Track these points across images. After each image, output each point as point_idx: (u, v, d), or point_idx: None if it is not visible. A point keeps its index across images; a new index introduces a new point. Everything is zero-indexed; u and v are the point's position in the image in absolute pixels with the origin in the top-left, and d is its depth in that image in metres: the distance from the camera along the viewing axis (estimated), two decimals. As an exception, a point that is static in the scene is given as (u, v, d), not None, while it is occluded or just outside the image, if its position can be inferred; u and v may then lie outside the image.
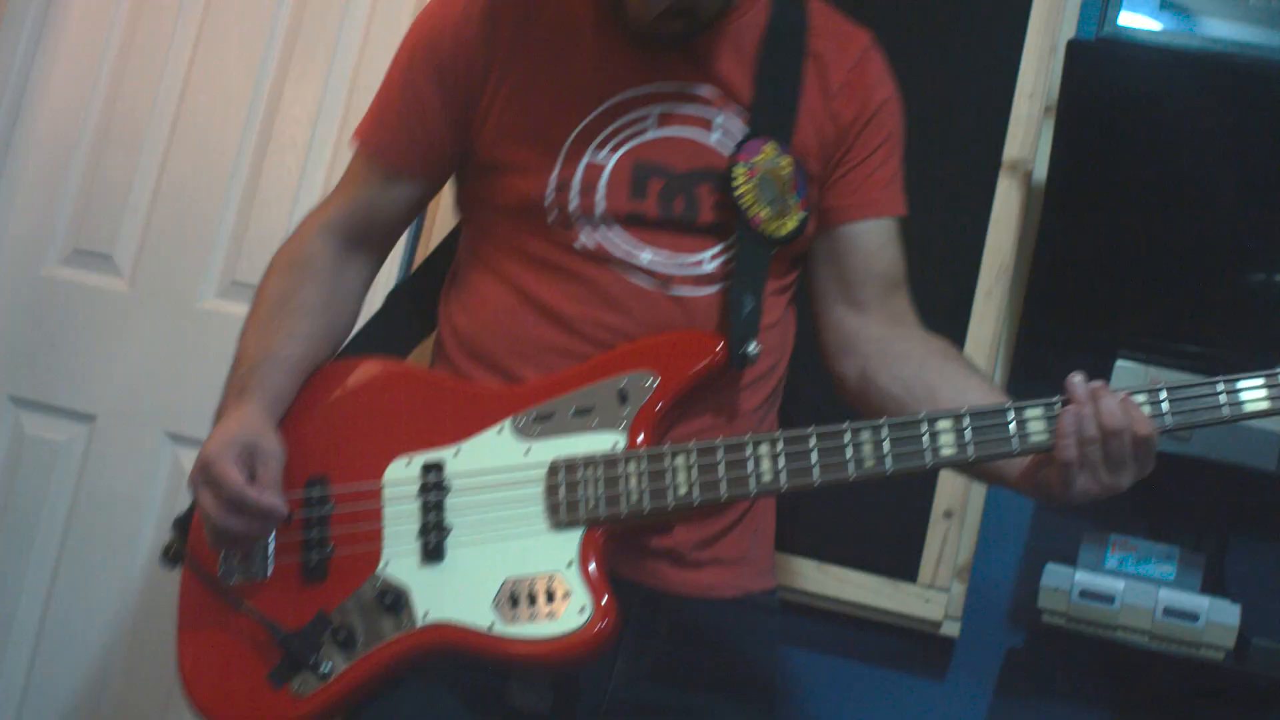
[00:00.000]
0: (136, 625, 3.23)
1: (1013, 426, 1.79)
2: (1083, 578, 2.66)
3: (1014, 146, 2.91)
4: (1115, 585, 2.65)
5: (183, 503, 3.15)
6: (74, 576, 3.27)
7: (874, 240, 2.10)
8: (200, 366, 3.25)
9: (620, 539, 1.88)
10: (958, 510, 2.84)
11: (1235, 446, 2.66)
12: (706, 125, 2.00)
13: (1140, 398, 1.77)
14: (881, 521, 2.85)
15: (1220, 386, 1.77)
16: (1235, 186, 2.73)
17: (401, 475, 1.92)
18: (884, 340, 2.06)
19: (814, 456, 1.81)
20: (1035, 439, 1.79)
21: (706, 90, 2.01)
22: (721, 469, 1.83)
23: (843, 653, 2.93)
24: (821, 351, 2.12)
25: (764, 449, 1.82)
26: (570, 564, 1.82)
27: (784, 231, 2.00)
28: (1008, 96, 2.93)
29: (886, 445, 1.80)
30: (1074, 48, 2.77)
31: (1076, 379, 1.78)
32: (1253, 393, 1.78)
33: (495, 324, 2.01)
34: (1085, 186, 2.79)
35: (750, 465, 1.82)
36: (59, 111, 3.45)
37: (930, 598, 2.82)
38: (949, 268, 2.88)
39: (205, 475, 1.89)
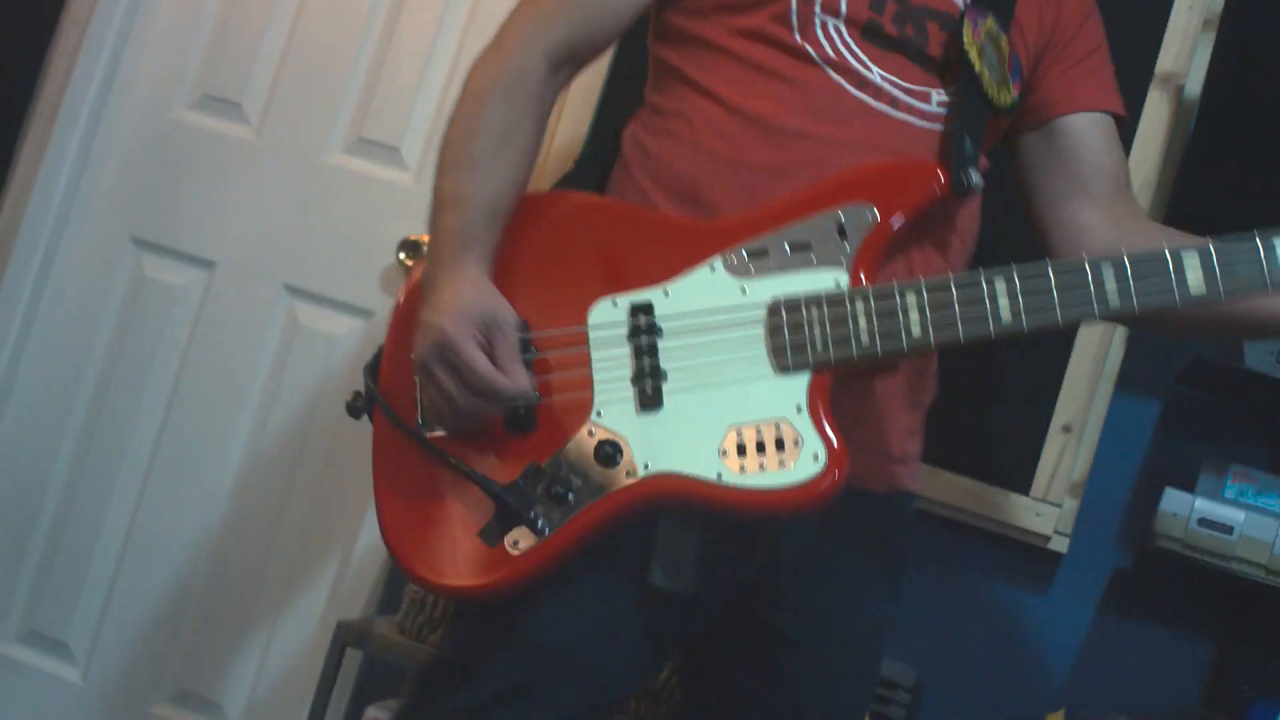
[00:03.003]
0: (242, 473, 3.26)
1: (1264, 260, 1.68)
2: (1202, 505, 2.62)
3: (1168, 59, 2.83)
4: (1235, 516, 2.61)
5: (297, 355, 3.23)
6: (184, 420, 3.31)
7: (1103, 135, 2.02)
8: (323, 221, 3.26)
9: (845, 381, 1.78)
10: (1077, 425, 2.80)
11: (1368, 384, 2.60)
12: None
13: None
14: (999, 431, 2.82)
15: None
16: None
17: (608, 318, 1.80)
18: (1119, 236, 1.96)
19: (1056, 296, 1.70)
20: None
21: None
22: (956, 308, 1.72)
23: (947, 558, 2.91)
24: (1051, 254, 2.01)
25: (1000, 285, 1.71)
26: (799, 409, 1.71)
27: (1004, 100, 1.92)
28: (1166, 6, 2.85)
29: (1131, 284, 1.69)
30: (1243, -39, 2.69)
31: None
32: None
33: (700, 143, 1.89)
34: (1241, 106, 2.71)
35: (988, 304, 1.71)
36: (197, -46, 3.43)
37: (1041, 511, 2.79)
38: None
39: (444, 355, 1.76)
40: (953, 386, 2.71)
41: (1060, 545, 2.81)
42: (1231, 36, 2.70)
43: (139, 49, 3.44)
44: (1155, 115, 2.82)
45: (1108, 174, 2.02)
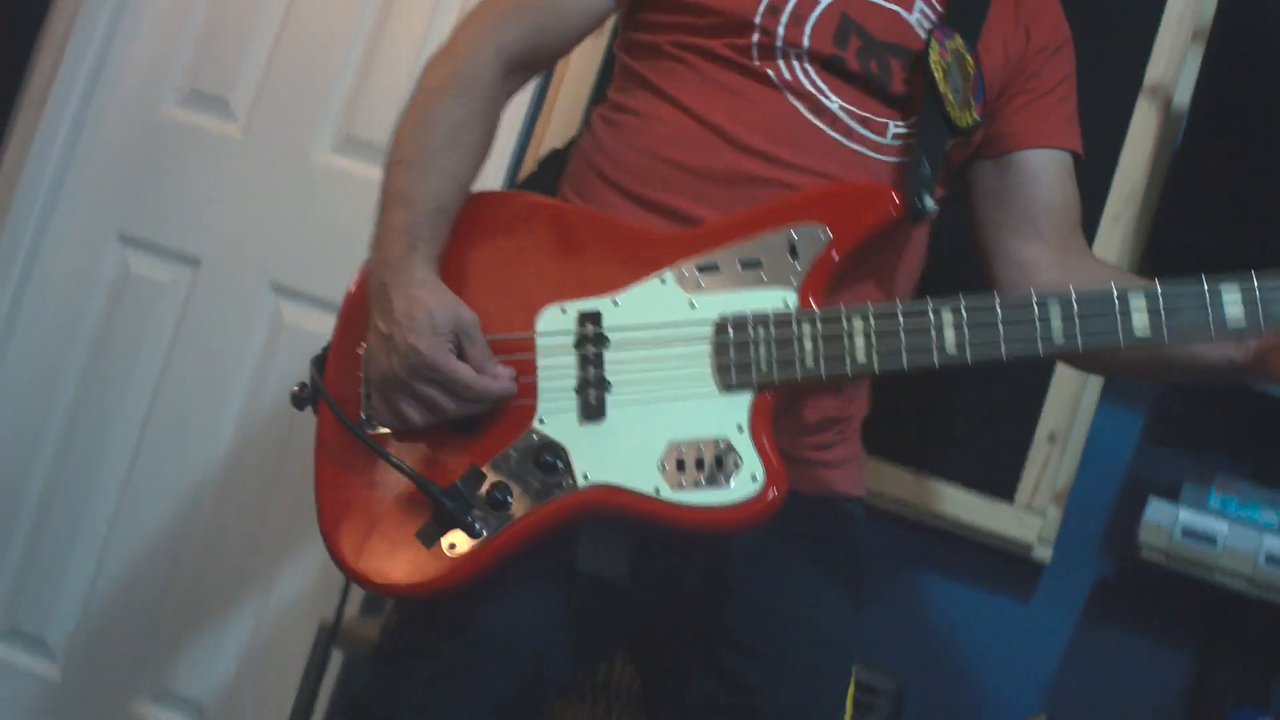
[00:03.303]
0: (225, 470, 3.25)
1: (1209, 309, 1.69)
2: (1187, 516, 2.62)
3: (1157, 70, 2.84)
4: (1219, 527, 2.61)
5: (282, 353, 3.22)
6: (167, 417, 3.30)
7: (1057, 172, 2.03)
8: (310, 220, 3.25)
9: (786, 402, 1.80)
10: (1062, 434, 2.80)
11: (1352, 397, 2.61)
12: (909, 5, 1.95)
13: None
14: (984, 439, 2.82)
15: None
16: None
17: (556, 325, 1.81)
18: (1064, 274, 1.96)
19: (1001, 329, 1.71)
20: (1231, 311, 1.68)
21: None
22: (902, 336, 1.73)
23: (929, 566, 2.91)
24: (993, 285, 2.03)
25: (947, 316, 1.72)
26: (741, 428, 1.73)
27: (964, 122, 1.92)
28: (1156, 19, 2.85)
29: (1077, 323, 1.70)
30: (1233, -26, 2.70)
31: None
32: None
33: (656, 146, 1.90)
34: (1229, 117, 2.72)
35: (933, 334, 1.72)
36: (186, -51, 3.43)
37: (1025, 520, 2.79)
38: (1078, 188, 2.83)
39: (428, 375, 1.76)
40: (937, 394, 2.73)
41: (1044, 554, 2.81)
42: (1220, 48, 2.71)
43: (127, 43, 3.43)
44: (1143, 126, 2.82)
45: (1059, 212, 2.03)
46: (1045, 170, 2.03)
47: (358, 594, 3.14)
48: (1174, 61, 2.83)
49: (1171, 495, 2.70)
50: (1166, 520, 2.63)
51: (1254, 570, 2.59)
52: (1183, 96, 2.82)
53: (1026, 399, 2.82)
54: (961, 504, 2.81)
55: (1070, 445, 2.81)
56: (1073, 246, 2.03)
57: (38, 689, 3.31)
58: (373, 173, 3.17)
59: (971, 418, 2.79)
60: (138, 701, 3.25)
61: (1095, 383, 2.80)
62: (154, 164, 3.38)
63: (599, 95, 3.00)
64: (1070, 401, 2.80)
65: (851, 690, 2.10)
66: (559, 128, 3.04)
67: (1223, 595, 2.66)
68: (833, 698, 2.03)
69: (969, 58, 1.94)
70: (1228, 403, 2.75)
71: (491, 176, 3.06)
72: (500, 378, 1.77)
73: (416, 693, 1.84)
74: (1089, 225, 2.80)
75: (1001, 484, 2.81)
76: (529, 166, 3.05)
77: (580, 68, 3.05)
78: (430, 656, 1.85)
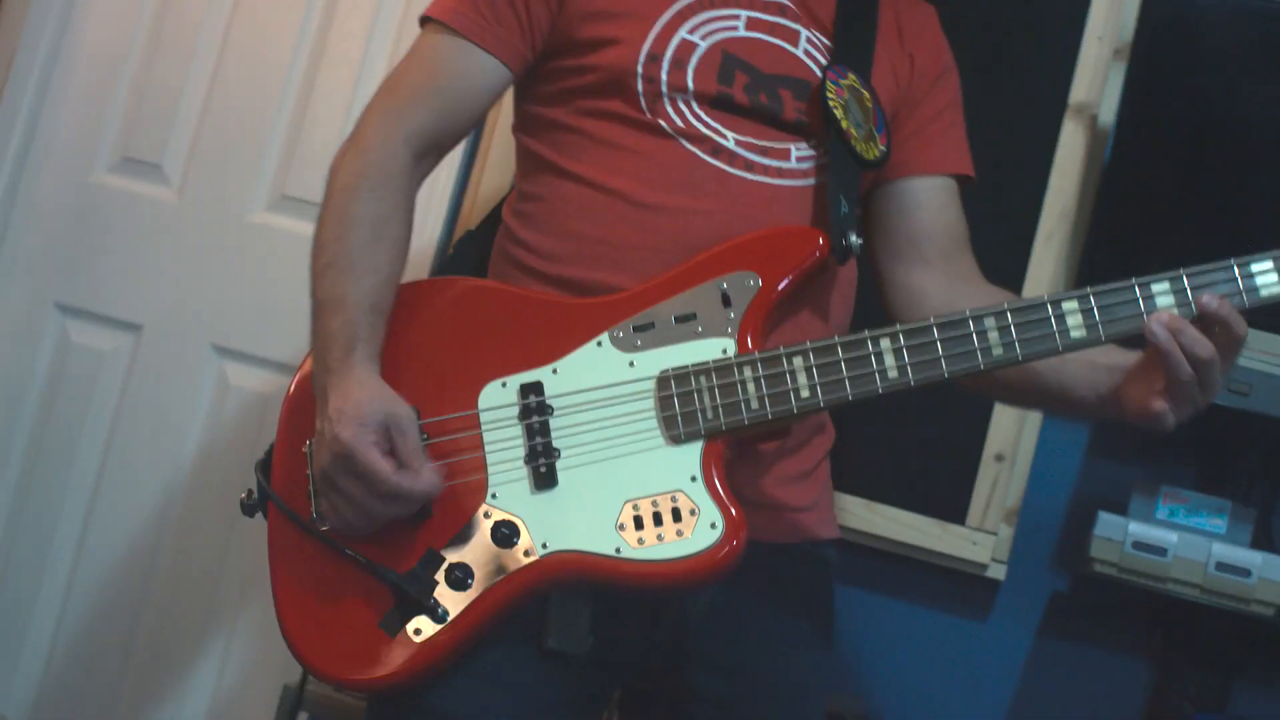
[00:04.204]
0: (178, 538, 3.24)
1: (1141, 304, 1.71)
2: (1136, 529, 2.65)
3: (1081, 89, 2.88)
4: (1168, 537, 2.64)
5: (228, 415, 3.21)
6: (117, 487, 3.28)
7: (942, 197, 2.05)
8: (248, 280, 3.25)
9: (737, 449, 1.81)
10: (1009, 454, 2.83)
11: (1291, 401, 2.64)
12: (794, 39, 1.97)
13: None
14: (932, 463, 2.85)
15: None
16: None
17: (499, 400, 1.81)
18: (952, 297, 1.98)
19: (940, 348, 1.73)
20: (1162, 301, 1.70)
21: (792, 6, 1.98)
22: (843, 368, 1.75)
23: (887, 591, 2.93)
24: (886, 312, 2.05)
25: (885, 344, 1.74)
26: (694, 478, 1.73)
27: (872, 155, 1.94)
28: (1077, 38, 2.89)
29: (1014, 331, 1.72)
30: (1149, -9, 2.74)
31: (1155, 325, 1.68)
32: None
33: (566, 224, 1.91)
34: (1154, 132, 2.76)
35: (873, 362, 1.74)
36: (110, 16, 3.42)
37: (978, 540, 2.82)
38: (1010, 210, 2.86)
39: (347, 466, 1.74)
40: (885, 421, 2.74)
41: (998, 573, 2.84)
42: (1142, 64, 2.75)
43: (56, 112, 3.42)
44: (1071, 145, 2.86)
45: (943, 236, 2.04)
46: (926, 195, 2.05)
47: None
48: (1097, 80, 2.87)
49: (1120, 508, 2.73)
50: (1116, 533, 2.66)
51: (1204, 578, 2.62)
52: (1108, 114, 2.86)
53: (972, 421, 2.85)
54: (914, 528, 2.84)
55: (1018, 464, 2.84)
56: (961, 270, 2.05)
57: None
58: (308, 229, 3.14)
59: (919, 443, 2.82)
60: (101, 771, 3.23)
61: (1039, 401, 2.83)
62: (89, 232, 3.36)
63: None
64: (1016, 421, 2.83)
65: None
66: (495, 173, 3.05)
67: (1177, 604, 2.69)
68: None
69: (864, 92, 1.96)
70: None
71: (428, 230, 3.08)
72: (423, 475, 1.75)
73: None
74: (1024, 245, 2.85)
75: (952, 506, 2.84)
76: (466, 217, 3.06)
77: (502, 140, 3.08)
78: None
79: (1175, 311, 1.70)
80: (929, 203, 2.05)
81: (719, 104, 1.91)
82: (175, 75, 3.36)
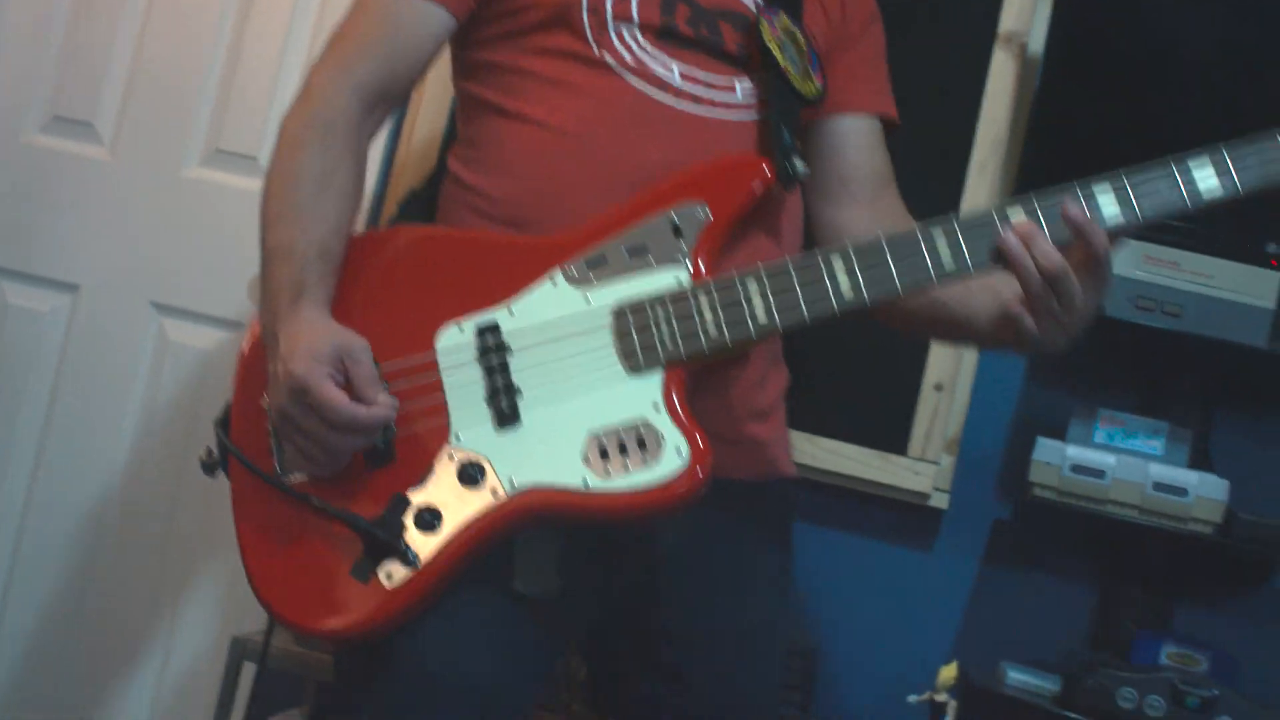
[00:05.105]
0: (124, 496, 3.23)
1: (1084, 204, 1.69)
2: (1075, 452, 2.68)
3: (1010, 18, 2.89)
4: (1106, 460, 2.67)
5: (170, 371, 3.20)
6: (60, 448, 3.27)
7: (868, 137, 2.07)
8: (185, 236, 3.23)
9: (698, 376, 1.79)
10: (948, 383, 2.85)
11: (1225, 323, 2.67)
12: None
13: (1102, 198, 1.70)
14: (872, 394, 2.87)
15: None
16: (1232, 64, 2.71)
17: (456, 341, 1.80)
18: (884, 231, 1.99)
19: (892, 265, 1.73)
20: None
21: None
22: (798, 289, 1.74)
23: (832, 523, 2.96)
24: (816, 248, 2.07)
25: (838, 263, 1.74)
26: (657, 406, 1.73)
27: (810, 91, 1.95)
28: (1004, -34, 2.91)
29: (962, 242, 1.71)
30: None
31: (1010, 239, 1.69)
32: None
33: (514, 167, 1.90)
34: (1083, 60, 2.78)
35: (828, 283, 1.74)
36: (35, -25, 3.39)
37: (920, 470, 2.84)
38: (942, 141, 2.88)
39: (301, 399, 1.71)
40: (824, 355, 2.76)
41: (941, 501, 2.87)
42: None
43: (-16, 74, 3.39)
44: (1001, 74, 2.88)
45: (871, 175, 2.06)
46: (852, 134, 2.06)
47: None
48: (1025, 8, 2.88)
49: (1059, 434, 2.76)
50: (1055, 458, 2.69)
51: (1142, 499, 2.66)
52: (1037, 43, 2.87)
53: (911, 352, 2.87)
54: (856, 460, 2.86)
55: (958, 393, 2.87)
56: (887, 206, 2.06)
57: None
58: (244, 183, 3.22)
59: (859, 375, 2.84)
60: (56, 735, 3.23)
61: (976, 330, 2.85)
62: (23, 193, 3.33)
63: (454, 126, 3.05)
64: (954, 351, 2.85)
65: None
66: (419, 158, 3.04)
67: (1117, 526, 2.72)
68: (770, 682, 2.05)
69: (797, 32, 1.97)
70: (1106, 337, 2.81)
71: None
72: (378, 404, 1.73)
73: None
74: (957, 176, 2.87)
75: (893, 437, 2.86)
76: (390, 208, 3.06)
77: (432, 95, 3.07)
78: (379, 700, 1.80)
79: (1120, 218, 1.70)
80: (859, 142, 2.06)
81: (663, 35, 1.91)
82: (104, 32, 3.33)
